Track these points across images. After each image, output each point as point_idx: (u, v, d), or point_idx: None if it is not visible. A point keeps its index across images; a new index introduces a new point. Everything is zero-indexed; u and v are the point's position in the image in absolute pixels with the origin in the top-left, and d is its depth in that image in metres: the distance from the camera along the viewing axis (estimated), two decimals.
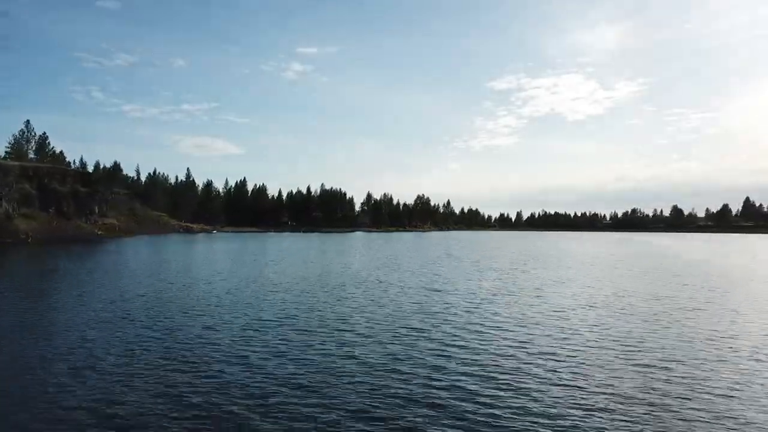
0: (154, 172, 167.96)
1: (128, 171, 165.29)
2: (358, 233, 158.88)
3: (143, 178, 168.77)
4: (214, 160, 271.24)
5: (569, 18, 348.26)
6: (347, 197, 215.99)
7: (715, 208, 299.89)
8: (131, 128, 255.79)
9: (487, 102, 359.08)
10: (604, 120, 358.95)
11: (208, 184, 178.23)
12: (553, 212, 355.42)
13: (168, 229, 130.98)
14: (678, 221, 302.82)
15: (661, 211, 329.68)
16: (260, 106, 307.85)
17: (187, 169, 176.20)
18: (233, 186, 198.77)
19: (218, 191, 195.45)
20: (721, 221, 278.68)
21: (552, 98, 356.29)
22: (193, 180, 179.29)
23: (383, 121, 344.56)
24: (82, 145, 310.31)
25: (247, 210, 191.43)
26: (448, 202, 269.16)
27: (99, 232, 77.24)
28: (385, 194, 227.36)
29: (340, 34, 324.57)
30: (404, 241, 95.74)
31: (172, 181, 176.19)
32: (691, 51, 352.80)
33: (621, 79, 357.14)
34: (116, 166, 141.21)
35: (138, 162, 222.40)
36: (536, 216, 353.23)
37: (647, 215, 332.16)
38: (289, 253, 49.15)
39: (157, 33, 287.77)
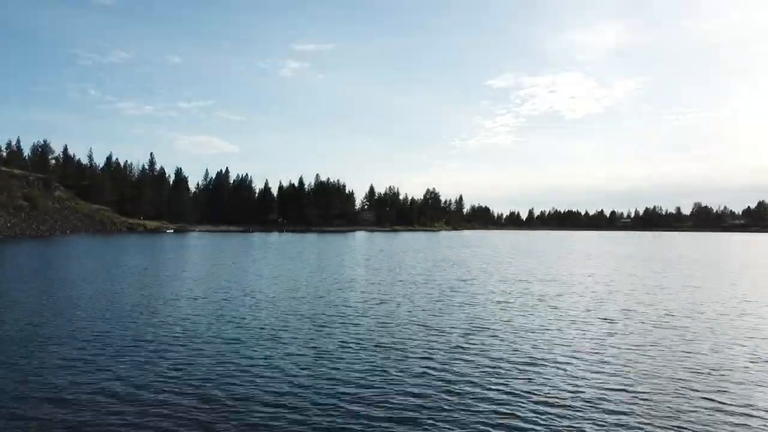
0: (110, 159, 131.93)
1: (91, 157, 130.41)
2: (360, 233, 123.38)
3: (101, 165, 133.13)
4: (210, 158, 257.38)
5: (567, 16, 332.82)
6: (347, 191, 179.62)
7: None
8: (127, 126, 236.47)
9: (485, 100, 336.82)
10: (602, 118, 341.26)
11: (178, 173, 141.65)
12: (564, 210, 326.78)
13: (109, 228, 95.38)
14: (706, 219, 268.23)
15: (679, 209, 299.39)
16: (256, 103, 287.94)
17: (151, 154, 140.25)
18: (213, 178, 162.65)
19: (197, 184, 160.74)
20: (759, 220, 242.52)
21: (550, 97, 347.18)
22: (162, 169, 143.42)
23: (380, 119, 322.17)
24: (79, 143, 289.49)
25: (230, 206, 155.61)
26: (461, 198, 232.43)
27: None
28: (390, 188, 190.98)
29: (337, 31, 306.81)
30: (438, 251, 59.46)
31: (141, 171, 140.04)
32: (690, 49, 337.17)
33: (620, 77, 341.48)
34: (44, 145, 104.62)
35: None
36: (546, 214, 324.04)
37: (671, 213, 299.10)
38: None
39: (153, 29, 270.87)
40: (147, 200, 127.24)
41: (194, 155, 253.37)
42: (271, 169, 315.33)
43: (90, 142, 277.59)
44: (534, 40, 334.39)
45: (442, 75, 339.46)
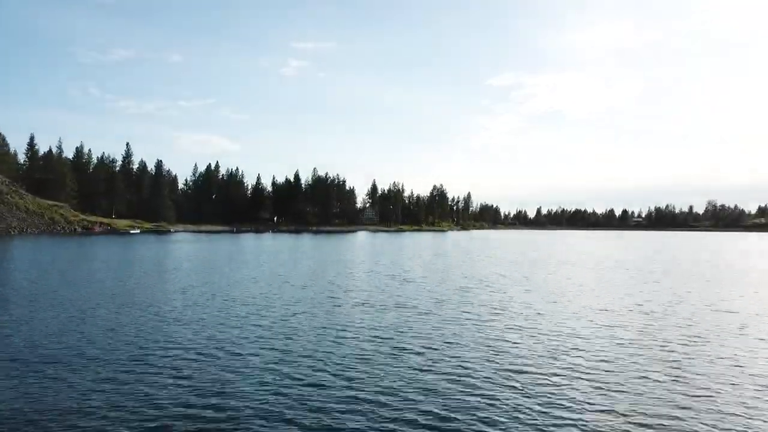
0: (80, 150, 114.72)
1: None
2: (361, 234, 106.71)
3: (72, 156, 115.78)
4: (211, 157, 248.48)
5: (569, 15, 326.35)
6: (347, 187, 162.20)
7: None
8: (128, 125, 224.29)
9: (485, 99, 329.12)
10: (604, 118, 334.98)
11: (158, 167, 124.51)
12: (572, 209, 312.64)
13: (61, 228, 78.57)
14: (724, 219, 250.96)
15: (691, 208, 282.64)
16: (257, 101, 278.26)
17: (127, 145, 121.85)
18: (201, 173, 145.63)
19: (185, 180, 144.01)
20: None
21: (551, 96, 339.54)
22: (144, 163, 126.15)
23: (381, 118, 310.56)
24: (78, 142, 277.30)
25: (219, 203, 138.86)
26: (468, 195, 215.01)
27: None
28: (394, 184, 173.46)
29: (337, 30, 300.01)
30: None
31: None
32: (692, 49, 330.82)
33: (621, 77, 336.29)
34: None
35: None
36: (554, 213, 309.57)
37: (685, 212, 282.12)
38: None
39: (153, 28, 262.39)
40: (120, 196, 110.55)
41: (195, 154, 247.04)
42: (272, 168, 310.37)
43: (90, 141, 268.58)
44: (535, 39, 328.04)
45: (443, 74, 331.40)
